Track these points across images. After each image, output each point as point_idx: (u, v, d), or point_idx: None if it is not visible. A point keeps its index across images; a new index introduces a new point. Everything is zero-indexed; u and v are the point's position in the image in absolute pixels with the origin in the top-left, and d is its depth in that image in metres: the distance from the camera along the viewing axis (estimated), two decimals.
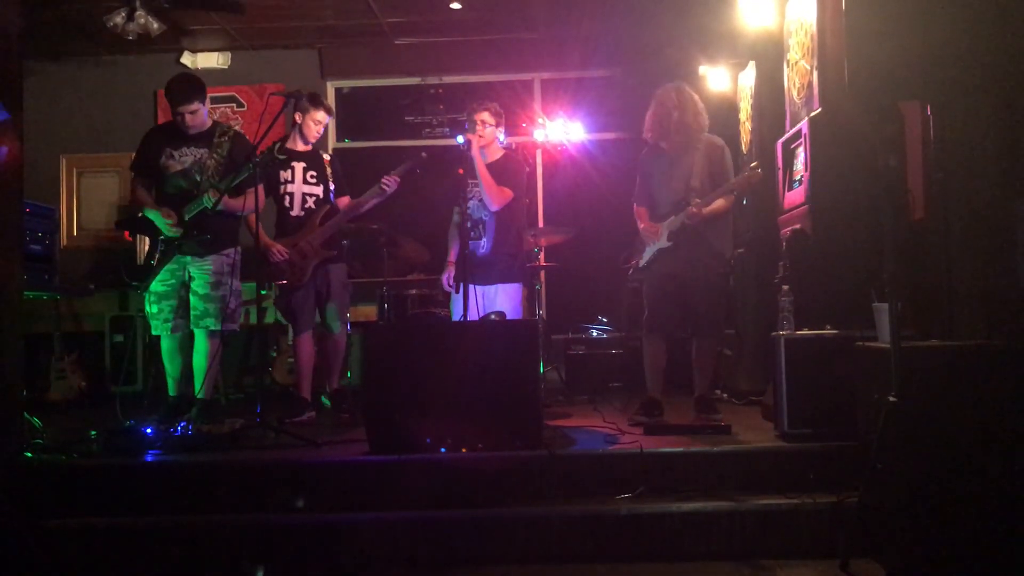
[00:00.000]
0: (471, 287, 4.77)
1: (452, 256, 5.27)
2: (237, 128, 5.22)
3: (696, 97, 4.87)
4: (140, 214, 4.95)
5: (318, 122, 5.32)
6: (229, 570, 3.55)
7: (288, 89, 5.06)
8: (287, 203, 5.30)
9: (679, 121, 4.77)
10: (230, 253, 5.01)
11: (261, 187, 4.89)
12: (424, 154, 5.17)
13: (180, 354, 5.00)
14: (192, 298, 4.90)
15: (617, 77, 8.13)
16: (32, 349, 5.50)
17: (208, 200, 4.77)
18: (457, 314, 5.14)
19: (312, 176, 5.33)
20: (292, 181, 5.30)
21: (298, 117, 5.33)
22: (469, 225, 5.02)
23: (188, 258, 4.90)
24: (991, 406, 3.20)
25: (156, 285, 4.89)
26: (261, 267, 5.09)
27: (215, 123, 5.10)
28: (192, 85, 4.98)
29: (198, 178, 4.89)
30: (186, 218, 4.84)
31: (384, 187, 5.14)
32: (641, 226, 4.97)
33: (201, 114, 4.97)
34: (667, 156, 4.86)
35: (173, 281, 4.92)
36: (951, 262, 3.88)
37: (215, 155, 4.91)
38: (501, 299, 5.01)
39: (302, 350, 5.34)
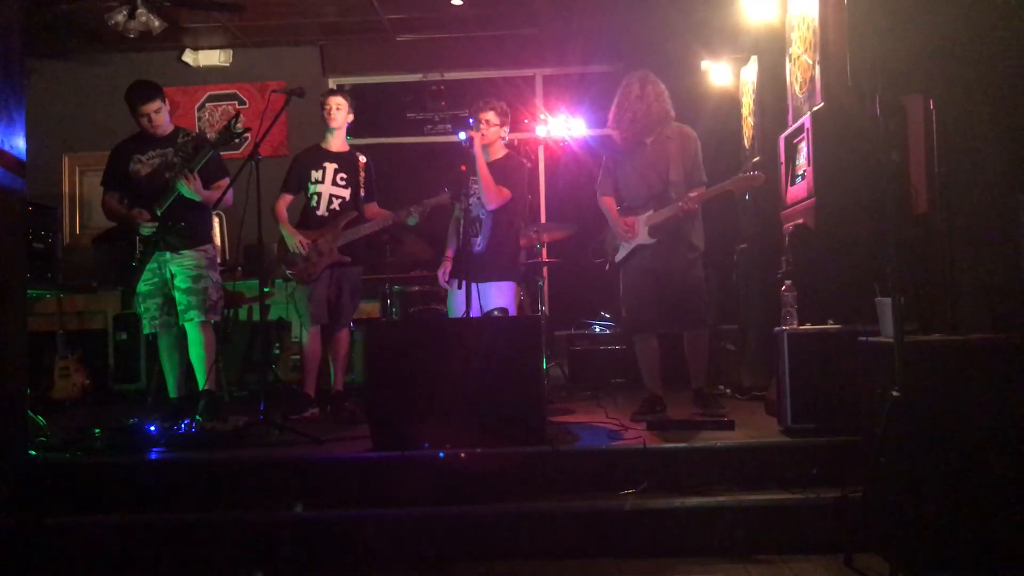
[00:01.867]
0: (464, 283, 4.79)
1: (449, 252, 5.27)
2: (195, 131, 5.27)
3: (660, 86, 4.78)
4: (111, 227, 5.06)
5: (339, 107, 5.34)
6: (234, 567, 3.55)
7: (290, 86, 5.06)
8: (314, 202, 5.34)
9: (643, 112, 4.70)
10: (207, 248, 5.08)
11: (227, 181, 4.99)
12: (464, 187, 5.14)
13: (176, 352, 5.06)
14: (176, 294, 4.96)
15: (619, 73, 7.99)
16: (35, 347, 5.49)
17: (181, 185, 4.81)
18: (453, 310, 5.15)
19: (342, 179, 5.35)
20: (322, 181, 5.33)
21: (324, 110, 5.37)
22: (463, 223, 5.03)
23: (167, 255, 4.95)
24: (995, 400, 3.19)
25: (140, 285, 4.97)
26: (280, 255, 5.18)
27: (176, 127, 5.17)
28: (150, 86, 5.07)
29: (167, 176, 4.93)
30: (159, 212, 4.87)
31: (412, 214, 5.17)
32: (615, 220, 4.87)
33: (164, 114, 5.06)
34: (639, 148, 4.79)
35: (156, 280, 4.98)
36: (954, 256, 3.87)
37: (180, 153, 4.97)
38: (493, 296, 4.99)
39: (309, 347, 5.35)
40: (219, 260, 5.47)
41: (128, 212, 4.94)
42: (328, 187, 5.34)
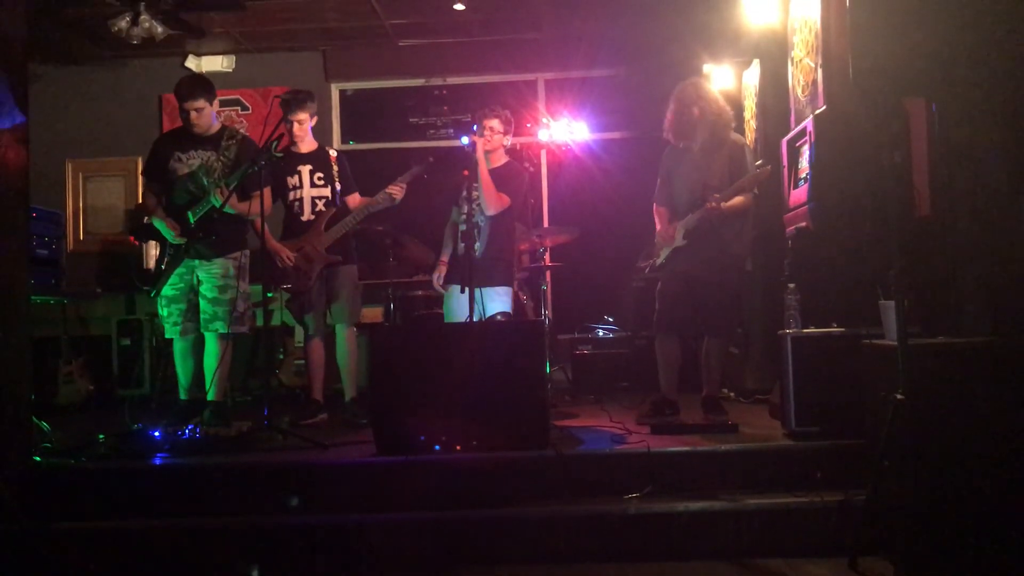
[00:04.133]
0: (459, 288, 4.83)
1: (444, 255, 5.27)
2: (243, 132, 5.23)
3: (716, 92, 4.84)
4: (147, 221, 5.03)
5: (301, 122, 5.28)
6: (238, 572, 3.55)
7: (293, 91, 5.08)
8: (296, 208, 5.30)
9: (701, 117, 4.74)
10: (237, 256, 5.04)
11: (268, 190, 4.93)
12: (431, 159, 5.14)
13: (191, 357, 5.04)
14: (201, 302, 4.94)
15: (621, 76, 8.12)
16: (39, 353, 5.51)
17: (215, 199, 4.80)
18: (450, 314, 5.14)
19: (319, 178, 5.31)
20: (300, 186, 5.29)
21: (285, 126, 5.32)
22: (464, 228, 5.04)
23: (196, 262, 4.95)
24: (998, 403, 3.19)
25: (166, 289, 4.96)
26: (266, 270, 5.10)
27: (223, 127, 5.13)
28: (198, 83, 5.05)
29: (205, 181, 4.92)
30: (192, 220, 4.88)
31: (391, 195, 5.14)
32: (658, 229, 4.97)
33: (208, 114, 5.00)
34: (689, 155, 4.83)
35: (182, 285, 4.97)
36: (957, 259, 3.87)
37: (222, 158, 4.94)
38: (492, 301, 4.98)
39: (313, 353, 5.33)
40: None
41: (162, 217, 4.93)
42: (308, 190, 5.29)
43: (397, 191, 5.13)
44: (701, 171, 4.76)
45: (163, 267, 4.93)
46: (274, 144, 4.60)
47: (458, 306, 4.96)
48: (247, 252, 5.12)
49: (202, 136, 5.01)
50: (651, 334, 5.02)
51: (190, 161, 4.99)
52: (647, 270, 5.18)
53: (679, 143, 4.85)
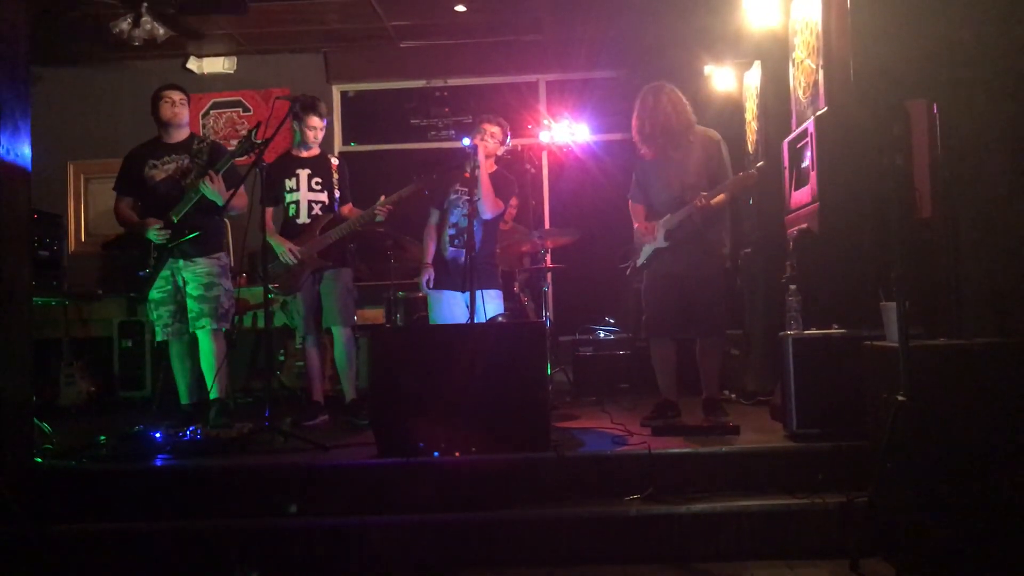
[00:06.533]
0: (448, 292, 4.92)
1: (429, 257, 5.25)
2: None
3: (676, 95, 4.76)
4: (124, 232, 5.15)
5: (312, 127, 5.32)
6: (238, 574, 3.55)
7: (294, 94, 5.08)
8: (292, 211, 5.31)
9: (660, 125, 4.70)
10: (220, 256, 5.10)
11: (243, 188, 4.97)
12: (421, 184, 5.12)
13: (188, 359, 5.07)
14: (188, 301, 4.97)
15: (622, 78, 8.12)
16: (41, 355, 5.52)
17: (204, 186, 4.82)
18: (438, 317, 5.13)
19: (317, 183, 5.32)
20: (297, 189, 5.30)
21: (295, 126, 5.34)
22: (454, 232, 5.07)
23: (180, 262, 4.97)
24: (1000, 404, 3.19)
25: (153, 293, 5.00)
26: (257, 270, 5.14)
27: (191, 134, 5.20)
28: (175, 83, 5.20)
29: (183, 184, 4.97)
30: (175, 220, 4.90)
31: (375, 215, 5.12)
32: (636, 225, 4.95)
33: (186, 112, 5.11)
34: (663, 155, 4.81)
35: (168, 287, 5.00)
36: (959, 260, 3.87)
37: (196, 161, 4.99)
38: (487, 304, 4.97)
39: (310, 355, 5.34)
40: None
41: (141, 220, 4.97)
42: (305, 193, 5.30)
43: (382, 212, 5.11)
44: (678, 170, 4.74)
45: (148, 271, 4.95)
46: (253, 132, 4.64)
47: (449, 310, 4.97)
48: (229, 253, 5.22)
49: (173, 143, 5.08)
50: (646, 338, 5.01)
51: (165, 166, 5.03)
52: (628, 271, 5.15)
53: (646, 147, 4.83)
